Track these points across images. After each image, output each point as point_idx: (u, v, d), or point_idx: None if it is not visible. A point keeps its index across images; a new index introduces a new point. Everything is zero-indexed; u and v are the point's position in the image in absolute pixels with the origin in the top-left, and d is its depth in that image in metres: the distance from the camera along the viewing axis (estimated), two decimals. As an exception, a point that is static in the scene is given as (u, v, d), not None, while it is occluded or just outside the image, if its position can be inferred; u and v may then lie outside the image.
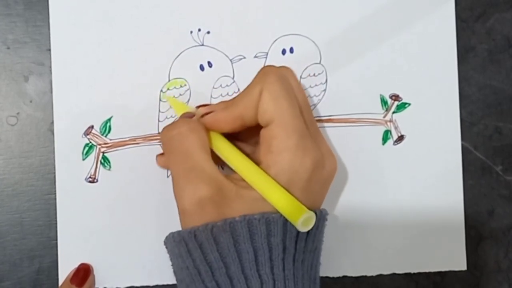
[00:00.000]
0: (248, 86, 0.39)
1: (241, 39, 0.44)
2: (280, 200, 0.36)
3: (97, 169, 0.43)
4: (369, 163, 0.45)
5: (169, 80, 0.43)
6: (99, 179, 0.43)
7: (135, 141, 0.43)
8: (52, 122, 0.43)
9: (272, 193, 0.37)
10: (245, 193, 0.37)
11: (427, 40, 0.45)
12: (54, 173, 0.43)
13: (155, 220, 0.43)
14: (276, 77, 0.39)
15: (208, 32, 0.43)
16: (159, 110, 0.43)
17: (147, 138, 0.43)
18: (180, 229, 0.38)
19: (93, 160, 0.43)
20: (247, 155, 0.40)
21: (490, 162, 0.46)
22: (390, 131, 0.45)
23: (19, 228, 0.43)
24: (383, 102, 0.45)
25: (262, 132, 0.39)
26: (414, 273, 0.45)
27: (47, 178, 0.43)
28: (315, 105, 0.44)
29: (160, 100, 0.43)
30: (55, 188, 0.43)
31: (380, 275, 0.45)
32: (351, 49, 0.45)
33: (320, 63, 0.44)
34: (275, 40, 0.44)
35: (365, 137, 0.45)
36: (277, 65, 0.43)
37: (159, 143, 0.43)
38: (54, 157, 0.43)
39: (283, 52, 0.44)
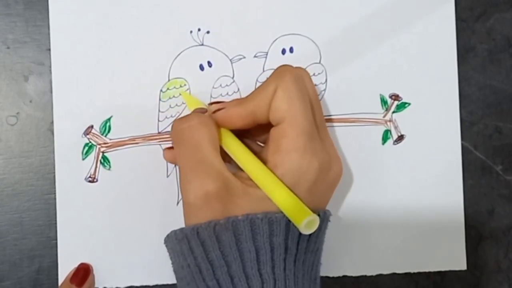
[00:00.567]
0: (263, 83, 0.39)
1: (241, 39, 0.44)
2: (285, 202, 0.36)
3: (97, 169, 0.43)
4: (369, 163, 0.45)
5: (169, 80, 0.43)
6: (99, 179, 0.43)
7: (135, 141, 0.43)
8: (52, 122, 0.43)
9: (278, 193, 0.37)
10: (251, 191, 0.37)
11: (427, 40, 0.45)
12: (54, 173, 0.43)
13: (155, 220, 0.43)
14: (292, 76, 0.39)
15: (208, 32, 0.43)
16: (159, 110, 0.43)
17: (147, 138, 0.43)
18: (179, 228, 0.38)
19: (93, 160, 0.43)
20: (255, 153, 0.40)
21: (490, 162, 0.46)
22: (390, 131, 0.45)
23: (19, 228, 0.43)
24: (383, 102, 0.45)
25: (272, 130, 0.39)
26: (414, 273, 0.45)
27: (47, 178, 0.43)
28: (315, 105, 0.44)
29: (160, 100, 0.43)
30: (55, 188, 0.43)
31: (380, 275, 0.45)
32: (351, 49, 0.45)
33: (320, 63, 0.44)
34: (275, 40, 0.44)
35: (365, 137, 0.45)
36: (277, 65, 0.43)
37: (159, 143, 0.43)
38: (54, 157, 0.43)
39: (283, 52, 0.44)
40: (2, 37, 0.43)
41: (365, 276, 0.45)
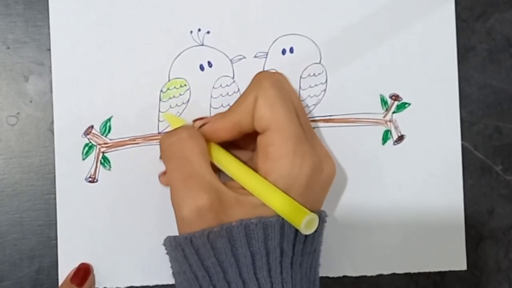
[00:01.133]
0: (243, 93, 0.39)
1: (241, 39, 0.44)
2: (282, 205, 0.36)
3: (97, 169, 0.43)
4: (369, 163, 0.45)
5: (169, 80, 0.43)
6: (99, 179, 0.43)
7: (135, 141, 0.43)
8: (52, 122, 0.43)
9: (273, 198, 0.36)
10: (244, 199, 0.37)
11: (427, 40, 0.45)
12: (54, 173, 0.43)
13: (155, 220, 0.43)
14: (271, 82, 0.39)
15: (208, 32, 0.43)
16: (159, 110, 0.43)
17: (147, 138, 0.43)
18: (174, 235, 0.38)
19: (93, 160, 0.43)
20: (244, 162, 0.40)
21: (490, 162, 0.46)
22: (390, 131, 0.45)
23: (19, 228, 0.43)
24: (383, 102, 0.45)
25: (259, 139, 0.39)
26: (414, 273, 0.45)
27: (47, 178, 0.43)
28: (315, 105, 0.44)
29: (160, 100, 0.43)
30: (55, 188, 0.43)
31: (380, 275, 0.45)
32: (351, 49, 0.45)
33: (320, 63, 0.44)
34: (275, 40, 0.44)
35: (365, 137, 0.45)
36: (278, 65, 0.43)
37: (159, 143, 0.43)
38: (54, 157, 0.43)
39: (283, 52, 0.44)
40: (2, 37, 0.43)
41: (365, 276, 0.45)
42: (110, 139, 0.43)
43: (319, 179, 0.39)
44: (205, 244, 0.36)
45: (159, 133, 0.43)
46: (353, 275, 0.45)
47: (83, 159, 0.43)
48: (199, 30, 0.43)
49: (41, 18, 0.43)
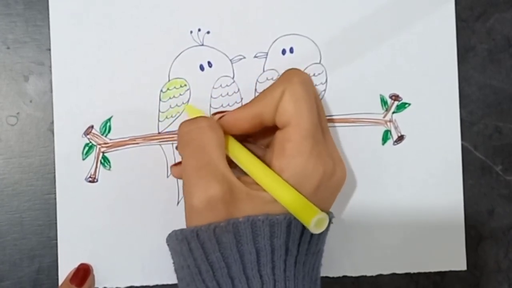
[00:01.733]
0: (271, 85, 0.39)
1: (241, 39, 0.44)
2: (294, 202, 0.36)
3: (97, 169, 0.43)
4: (369, 163, 0.45)
5: (169, 80, 0.43)
6: (99, 179, 0.43)
7: (135, 141, 0.43)
8: (52, 122, 0.43)
9: (286, 194, 0.37)
10: (255, 194, 0.37)
11: (427, 40, 0.45)
12: (54, 173, 0.43)
13: (155, 220, 0.43)
14: (300, 80, 0.39)
15: (208, 32, 0.43)
16: (159, 110, 0.43)
17: (147, 138, 0.43)
18: (180, 228, 0.38)
19: (93, 160, 0.43)
20: (258, 157, 0.39)
21: (490, 162, 0.46)
22: (390, 131, 0.45)
23: (19, 228, 0.43)
24: (383, 102, 0.45)
25: (278, 134, 0.39)
26: (414, 273, 0.45)
27: (47, 178, 0.43)
28: (315, 105, 0.44)
29: (160, 100, 0.43)
30: (55, 188, 0.43)
31: (380, 275, 0.45)
32: (351, 49, 0.45)
33: (320, 63, 0.44)
34: (275, 40, 0.44)
35: (365, 137, 0.45)
36: (277, 65, 0.43)
37: (159, 143, 0.43)
38: (54, 157, 0.43)
39: (283, 52, 0.44)
40: (2, 37, 0.43)
41: (365, 276, 0.45)
42: (110, 139, 0.43)
43: (330, 182, 0.39)
44: (211, 238, 0.36)
45: (159, 133, 0.43)
46: (353, 275, 0.45)
47: (83, 159, 0.43)
48: (199, 30, 0.43)
49: (41, 18, 0.43)
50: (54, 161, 0.43)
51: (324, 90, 0.44)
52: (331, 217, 0.40)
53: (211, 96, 0.43)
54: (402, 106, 0.45)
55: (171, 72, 0.43)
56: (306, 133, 0.37)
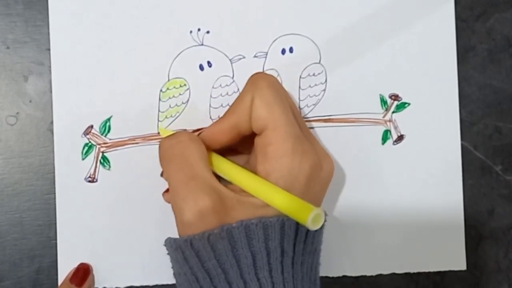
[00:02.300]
0: (240, 94, 0.39)
1: (240, 39, 0.44)
2: (286, 203, 0.36)
3: (97, 169, 0.43)
4: (369, 163, 0.45)
5: (168, 80, 0.43)
6: (98, 179, 0.43)
7: (135, 141, 0.43)
8: (52, 122, 0.43)
9: (277, 197, 0.36)
10: (246, 200, 0.37)
11: (427, 40, 0.45)
12: (54, 173, 0.43)
13: (155, 220, 0.43)
14: (267, 83, 0.39)
15: (208, 32, 0.43)
16: (159, 110, 0.43)
17: (147, 138, 0.43)
18: (173, 238, 0.38)
19: (92, 160, 0.43)
20: (242, 167, 0.39)
21: (490, 162, 0.46)
22: (390, 131, 0.45)
23: (19, 228, 0.43)
24: (383, 102, 0.45)
25: (257, 139, 0.39)
26: (414, 273, 0.45)
27: (47, 178, 0.43)
28: (314, 105, 0.44)
29: (160, 100, 0.43)
30: (55, 188, 0.43)
31: (380, 275, 0.45)
32: (351, 49, 0.45)
33: (319, 63, 0.44)
34: (275, 40, 0.44)
35: (364, 137, 0.45)
36: (277, 65, 0.43)
37: (159, 143, 0.43)
38: (53, 157, 0.43)
39: (283, 52, 0.44)
40: (2, 37, 0.43)
41: (365, 276, 0.45)
42: (110, 139, 0.43)
43: (318, 177, 0.39)
44: (206, 246, 0.36)
45: (158, 133, 0.43)
46: (353, 275, 0.45)
47: (83, 159, 0.43)
48: (199, 30, 0.43)
49: (41, 18, 0.43)
50: (53, 161, 0.43)
51: (324, 90, 0.44)
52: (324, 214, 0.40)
53: (210, 96, 0.43)
54: (402, 106, 0.45)
55: (170, 72, 0.43)
56: (285, 134, 0.37)
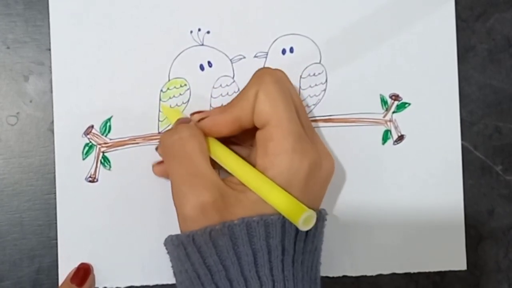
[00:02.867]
0: (244, 88, 0.39)
1: (241, 39, 0.44)
2: (280, 201, 0.36)
3: (97, 169, 0.43)
4: (369, 162, 0.45)
5: (169, 80, 0.43)
6: (99, 179, 0.43)
7: (135, 141, 0.43)
8: (52, 122, 0.43)
9: (272, 194, 0.36)
10: (243, 197, 0.37)
11: (427, 40, 0.45)
12: (54, 173, 0.43)
13: (155, 220, 0.43)
14: (272, 78, 0.39)
15: (208, 32, 0.43)
16: (159, 110, 0.43)
17: (147, 138, 0.43)
18: (176, 234, 0.38)
19: (93, 160, 0.43)
20: (243, 158, 0.40)
21: (490, 162, 0.46)
22: (390, 131, 0.45)
23: (19, 228, 0.43)
24: (383, 102, 0.45)
25: (258, 134, 0.39)
26: (414, 273, 0.45)
27: (47, 178, 0.43)
28: (315, 105, 0.44)
29: (160, 100, 0.43)
30: (55, 188, 0.43)
31: (380, 275, 0.45)
32: (351, 49, 0.45)
33: (320, 62, 0.44)
34: (275, 40, 0.44)
35: (365, 136, 0.45)
36: (278, 65, 0.43)
37: (159, 141, 0.43)
38: (54, 156, 0.43)
39: (283, 52, 0.44)
40: (2, 37, 0.43)
41: (365, 276, 0.45)
42: (110, 139, 0.43)
43: (318, 176, 0.39)
44: (207, 242, 0.36)
45: (159, 133, 0.43)
46: (353, 275, 0.45)
47: (83, 159, 0.43)
48: (199, 30, 0.43)
49: (41, 18, 0.43)
50: (54, 161, 0.43)
51: (324, 90, 0.44)
52: (324, 214, 0.40)
53: (211, 96, 0.43)
54: (402, 106, 0.45)
55: (171, 72, 0.43)
56: (286, 130, 0.37)
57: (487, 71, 0.46)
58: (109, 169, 0.43)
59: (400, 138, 0.45)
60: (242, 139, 0.42)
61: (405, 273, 0.45)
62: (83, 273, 0.42)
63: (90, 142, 0.43)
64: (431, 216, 0.45)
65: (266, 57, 0.44)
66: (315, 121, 0.44)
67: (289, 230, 0.37)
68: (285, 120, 0.37)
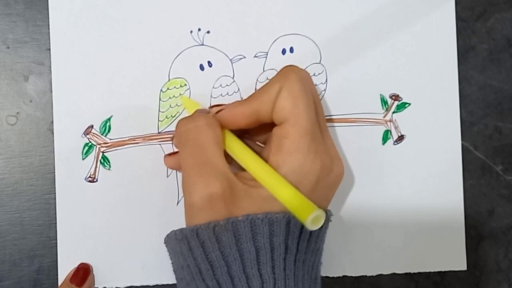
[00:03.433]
0: (268, 82, 0.39)
1: (241, 39, 0.44)
2: (291, 198, 0.36)
3: (97, 169, 0.43)
4: (369, 163, 0.45)
5: (169, 80, 0.43)
6: (98, 179, 0.43)
7: (135, 140, 0.43)
8: (52, 122, 0.43)
9: (283, 190, 0.37)
10: (254, 192, 0.37)
11: (427, 40, 0.45)
12: (54, 172, 0.43)
13: (155, 219, 0.43)
14: (297, 77, 0.39)
15: (208, 32, 0.43)
16: (159, 110, 0.43)
17: (147, 138, 0.43)
18: (179, 229, 0.38)
19: (93, 160, 0.43)
20: (256, 153, 0.40)
21: (490, 162, 0.46)
22: (390, 131, 0.45)
23: (19, 228, 0.43)
24: (383, 102, 0.45)
25: (275, 130, 0.39)
26: (414, 273, 0.45)
27: (47, 178, 0.43)
28: (315, 105, 0.44)
29: (160, 100, 0.43)
30: (55, 187, 0.43)
31: (380, 275, 0.45)
32: (351, 49, 0.45)
33: (320, 62, 0.44)
34: (275, 40, 0.44)
35: (365, 137, 0.45)
36: (278, 65, 0.43)
37: (159, 143, 0.43)
38: (54, 156, 0.43)
39: (283, 51, 0.44)
40: (2, 37, 0.43)
41: (365, 276, 0.45)
42: (110, 139, 0.43)
43: (328, 178, 0.39)
44: (211, 236, 0.36)
45: (159, 133, 0.43)
46: (353, 275, 0.45)
47: (83, 159, 0.43)
48: (199, 30, 0.43)
49: (41, 18, 0.43)
50: (54, 161, 0.43)
51: (324, 90, 0.44)
52: (329, 215, 0.40)
53: (211, 96, 0.43)
54: (402, 106, 0.45)
55: (171, 72, 0.43)
56: (304, 130, 0.37)
57: (487, 71, 0.46)
58: (109, 169, 0.43)
59: (400, 138, 0.45)
60: (256, 135, 0.42)
61: (405, 273, 0.45)
62: (83, 273, 0.42)
63: (90, 142, 0.43)
64: (431, 216, 0.45)
65: (266, 57, 0.44)
66: (315, 121, 0.44)
67: (293, 229, 0.37)
68: (304, 119, 0.38)
